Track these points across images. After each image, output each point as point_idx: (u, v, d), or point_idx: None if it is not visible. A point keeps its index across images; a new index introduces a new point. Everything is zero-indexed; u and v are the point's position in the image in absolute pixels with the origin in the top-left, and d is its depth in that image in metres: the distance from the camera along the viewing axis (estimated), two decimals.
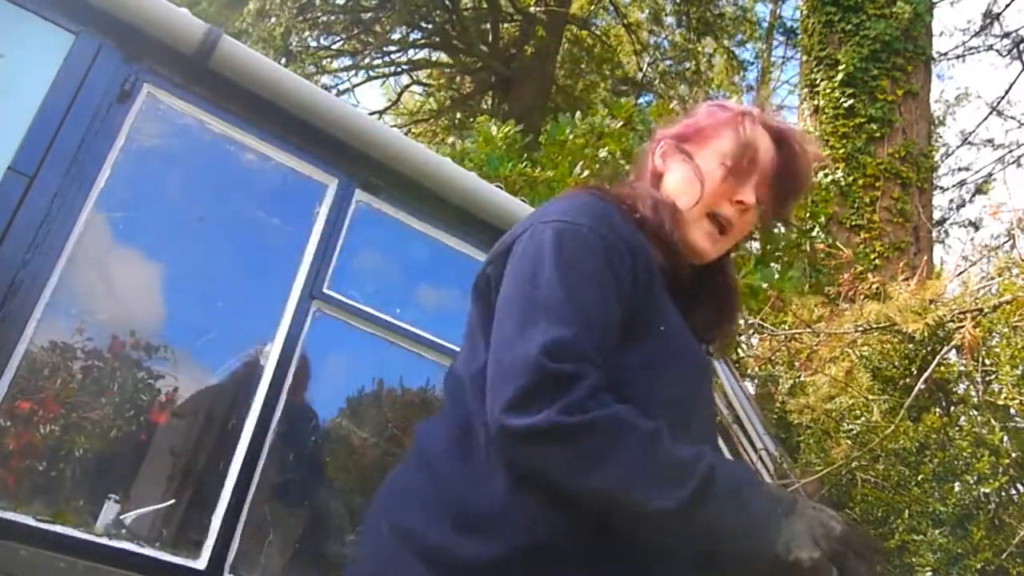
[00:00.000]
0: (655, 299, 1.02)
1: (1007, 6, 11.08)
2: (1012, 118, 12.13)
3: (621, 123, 5.69)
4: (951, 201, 12.46)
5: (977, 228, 11.83)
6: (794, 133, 1.17)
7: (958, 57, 11.73)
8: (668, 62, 13.78)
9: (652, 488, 0.84)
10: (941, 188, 11.93)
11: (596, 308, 0.94)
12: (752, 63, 14.11)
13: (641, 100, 12.88)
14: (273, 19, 9.63)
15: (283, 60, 9.51)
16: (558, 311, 0.91)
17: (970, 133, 12.32)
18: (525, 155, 5.63)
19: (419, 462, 1.02)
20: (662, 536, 0.89)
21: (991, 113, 11.87)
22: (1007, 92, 12.24)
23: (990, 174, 12.05)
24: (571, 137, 5.47)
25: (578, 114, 5.75)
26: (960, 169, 12.51)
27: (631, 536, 0.90)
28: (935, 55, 8.61)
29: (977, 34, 11.48)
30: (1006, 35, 11.20)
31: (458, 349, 1.12)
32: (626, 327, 0.97)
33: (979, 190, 12.22)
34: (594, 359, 0.89)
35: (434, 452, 1.00)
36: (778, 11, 14.54)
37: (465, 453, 0.96)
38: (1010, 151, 11.83)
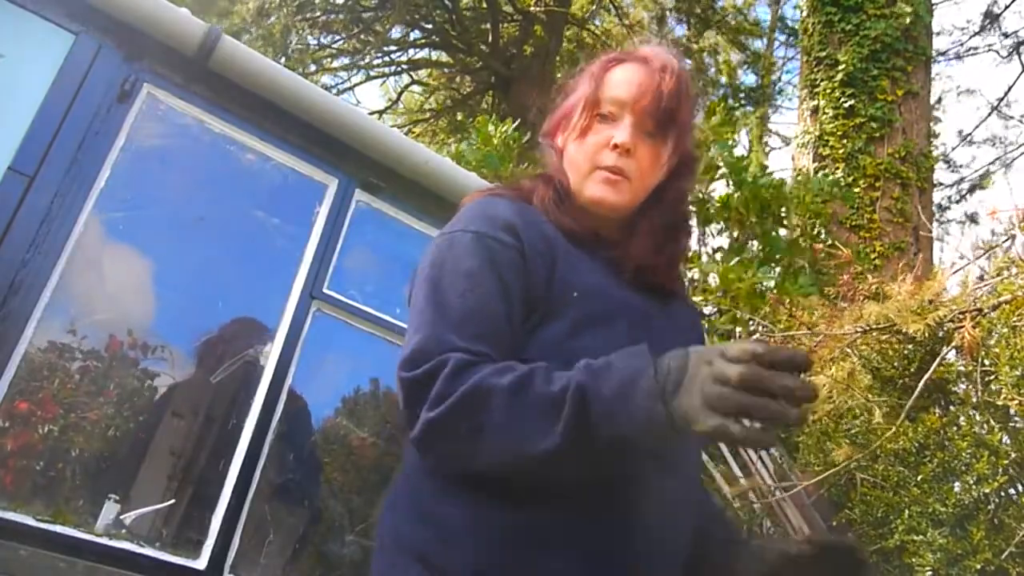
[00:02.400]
0: (560, 269, 1.02)
1: (1007, 7, 11.09)
2: (1011, 117, 12.14)
3: None
4: (949, 198, 12.47)
5: (976, 222, 11.84)
6: (633, 53, 1.16)
7: (958, 57, 11.74)
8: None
9: (530, 436, 0.84)
10: (943, 184, 11.95)
11: (467, 302, 0.95)
12: (752, 63, 14.10)
13: None
14: (272, 18, 9.62)
15: (282, 59, 9.51)
16: (420, 323, 0.95)
17: (969, 133, 12.33)
18: (525, 156, 5.62)
19: (402, 473, 1.06)
20: (571, 471, 0.88)
21: (991, 113, 11.88)
22: (1007, 92, 12.25)
23: (988, 172, 12.06)
24: None
25: None
26: (960, 167, 12.52)
27: (549, 482, 0.91)
28: (934, 54, 8.61)
29: (977, 34, 11.50)
30: (1005, 35, 11.21)
31: None
32: (538, 305, 0.99)
33: (978, 186, 12.23)
34: (459, 346, 0.91)
35: (410, 465, 1.04)
36: (779, 11, 14.54)
37: (428, 466, 1.00)
38: (1007, 151, 11.85)
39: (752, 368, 0.74)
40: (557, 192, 1.12)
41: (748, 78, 14.10)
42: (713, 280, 4.91)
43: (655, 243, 1.12)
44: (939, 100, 12.75)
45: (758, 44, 14.15)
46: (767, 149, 14.14)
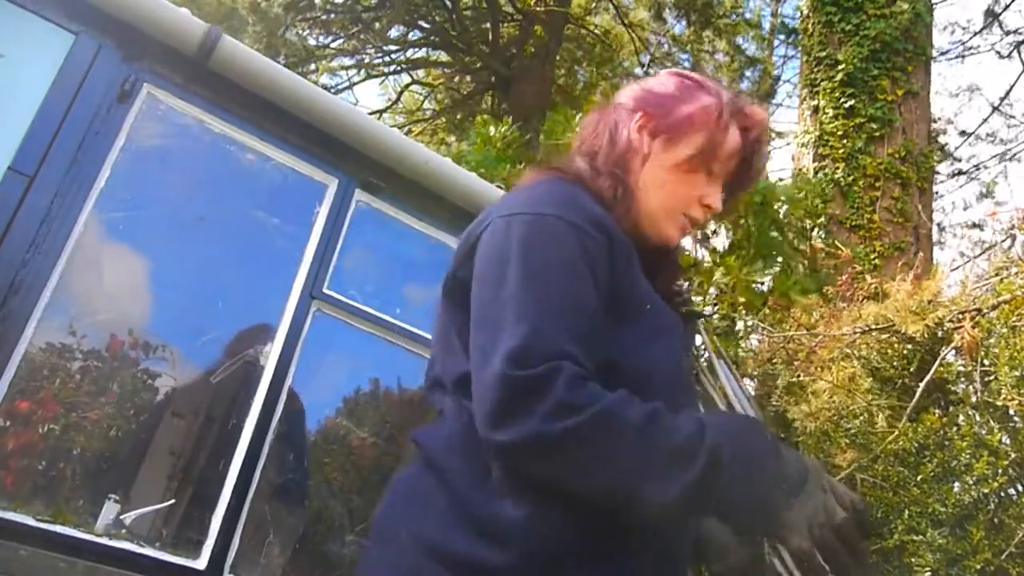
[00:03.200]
0: (636, 277, 1.01)
1: (1007, 6, 11.09)
2: (1012, 116, 12.14)
3: None
4: (953, 204, 12.47)
5: (981, 229, 11.84)
6: (760, 122, 1.15)
7: (958, 57, 11.75)
8: (667, 62, 13.78)
9: (652, 480, 0.82)
10: (941, 174, 11.95)
11: (568, 297, 0.90)
12: (753, 63, 14.11)
13: None
14: (270, 12, 9.62)
15: (281, 59, 9.50)
16: (521, 312, 0.87)
17: (971, 133, 12.33)
18: (523, 156, 5.62)
19: (429, 470, 0.98)
20: (670, 518, 0.89)
21: (993, 112, 11.88)
22: (1008, 92, 12.25)
23: (984, 167, 12.06)
24: (569, 137, 5.46)
25: (578, 117, 5.74)
26: (960, 174, 12.53)
27: (639, 523, 0.89)
28: (935, 54, 8.61)
29: (978, 33, 11.50)
30: (1007, 34, 11.21)
31: None
32: (615, 308, 0.95)
33: (986, 194, 12.23)
34: (568, 351, 0.85)
35: (445, 463, 0.97)
36: (779, 11, 14.54)
37: (475, 463, 0.92)
38: (1009, 149, 11.85)
39: (850, 521, 0.86)
40: (625, 193, 1.06)
41: (747, 78, 14.10)
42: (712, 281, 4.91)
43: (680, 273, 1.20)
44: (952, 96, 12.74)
45: (752, 49, 14.15)
46: (767, 150, 14.11)
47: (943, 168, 12.18)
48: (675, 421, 0.85)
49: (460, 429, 0.96)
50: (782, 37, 14.12)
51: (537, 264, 0.91)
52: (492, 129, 5.57)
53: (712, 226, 5.46)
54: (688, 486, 0.81)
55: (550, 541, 0.88)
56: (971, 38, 11.50)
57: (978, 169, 12.07)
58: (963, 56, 11.76)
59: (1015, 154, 11.77)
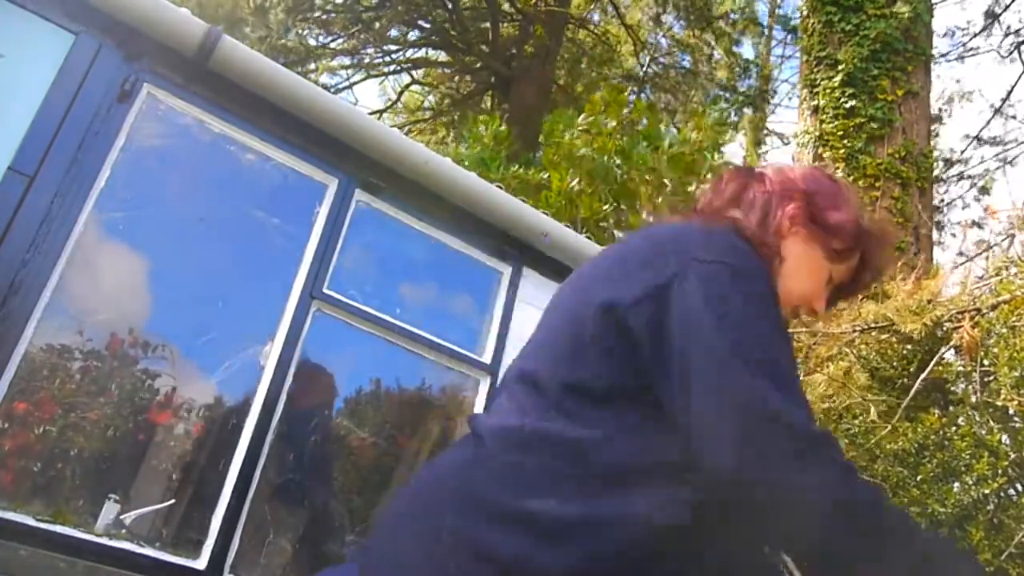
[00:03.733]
0: None
1: (1007, 7, 11.09)
2: (1013, 118, 12.13)
3: (617, 123, 5.69)
4: (947, 201, 12.47)
5: (980, 227, 11.84)
6: (888, 255, 1.24)
7: (959, 58, 11.74)
8: (665, 62, 13.79)
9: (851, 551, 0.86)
10: (942, 180, 11.95)
11: (790, 362, 0.96)
12: (752, 64, 14.11)
13: (641, 98, 12.87)
14: (271, 13, 9.62)
15: (281, 59, 9.50)
16: (782, 368, 0.92)
17: (975, 135, 12.33)
18: (519, 156, 5.63)
19: (495, 467, 0.96)
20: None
21: (995, 115, 11.88)
22: (1009, 93, 12.25)
23: (987, 170, 12.06)
24: (568, 138, 5.47)
25: (580, 118, 5.74)
26: (961, 176, 12.52)
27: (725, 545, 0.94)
28: (936, 56, 8.62)
29: (978, 34, 11.50)
30: (1007, 34, 11.21)
31: (457, 348, 1.11)
32: None
33: (982, 189, 12.23)
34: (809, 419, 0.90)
35: (525, 464, 0.94)
36: (777, 10, 14.54)
37: (565, 475, 0.92)
38: (1007, 150, 11.85)
39: None
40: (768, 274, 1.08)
41: (746, 78, 14.10)
42: None
43: None
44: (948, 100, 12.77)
45: (749, 53, 14.17)
46: (765, 150, 14.14)
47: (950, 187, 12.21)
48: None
49: (555, 436, 0.95)
50: (780, 37, 14.12)
51: (768, 318, 0.96)
52: (483, 128, 5.58)
53: None
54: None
55: (620, 543, 0.89)
56: (971, 39, 11.51)
57: (985, 184, 12.08)
58: (963, 57, 11.76)
59: (1014, 157, 11.77)
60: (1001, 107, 11.71)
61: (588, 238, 3.29)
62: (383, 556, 0.97)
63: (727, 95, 13.42)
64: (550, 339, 1.08)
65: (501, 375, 1.71)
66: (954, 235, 12.65)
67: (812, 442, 0.87)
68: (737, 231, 1.08)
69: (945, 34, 11.85)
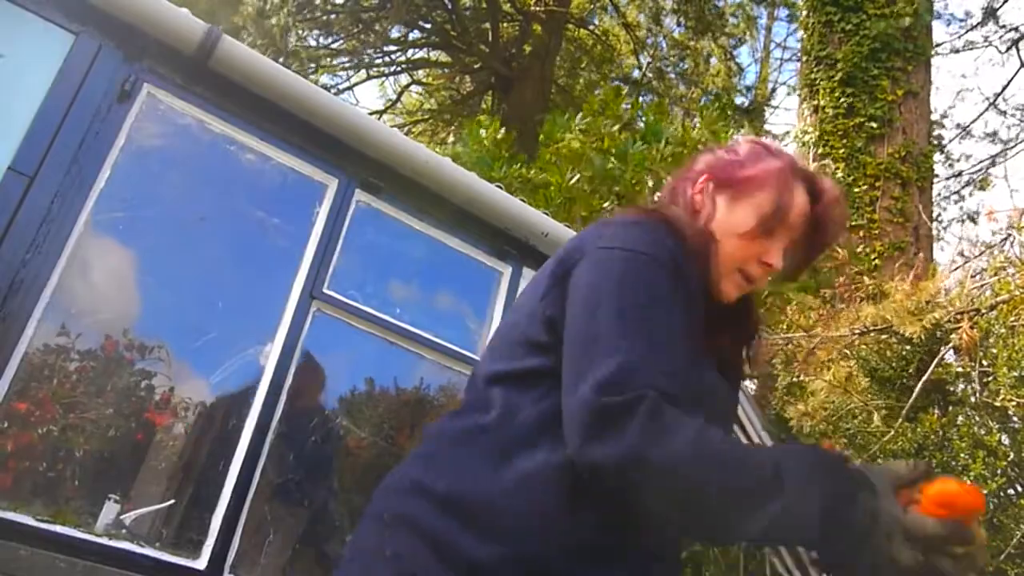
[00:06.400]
0: (695, 330, 1.03)
1: (1004, 2, 11.08)
2: (1010, 114, 12.13)
3: (617, 125, 5.69)
4: (948, 198, 12.47)
5: (975, 222, 11.84)
6: (831, 190, 1.17)
7: (956, 52, 11.74)
8: (666, 62, 13.78)
9: (746, 513, 0.85)
10: (940, 177, 11.94)
11: (664, 331, 0.94)
12: (751, 64, 14.11)
13: (640, 100, 12.88)
14: (272, 18, 9.62)
15: (282, 59, 9.50)
16: (616, 342, 0.91)
17: (967, 127, 12.33)
18: (519, 157, 5.63)
19: (434, 458, 1.03)
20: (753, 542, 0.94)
21: (988, 108, 11.88)
22: (1005, 87, 12.23)
23: (988, 174, 12.06)
24: (567, 139, 5.47)
25: (578, 117, 5.74)
26: (958, 176, 12.51)
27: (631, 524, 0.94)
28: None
29: (975, 28, 11.50)
30: (1004, 29, 11.20)
31: (457, 348, 1.14)
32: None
33: (980, 186, 12.22)
34: (658, 381, 0.89)
35: (450, 453, 1.01)
36: (776, 12, 14.54)
37: (494, 457, 0.97)
38: (1007, 147, 11.85)
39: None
40: (705, 255, 1.10)
41: (747, 77, 14.10)
42: None
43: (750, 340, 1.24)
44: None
45: (746, 57, 14.14)
46: None
47: (941, 169, 12.19)
48: (761, 457, 0.89)
49: (500, 428, 1.01)
50: (779, 39, 14.11)
51: (637, 297, 0.96)
52: (484, 131, 5.59)
53: None
54: (776, 516, 0.84)
55: (551, 534, 0.92)
56: (967, 31, 11.51)
57: (982, 180, 12.08)
58: (959, 51, 11.76)
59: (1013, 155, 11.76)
60: (995, 101, 11.71)
61: None
62: (350, 544, 1.06)
63: (724, 96, 13.43)
64: (494, 342, 1.13)
65: None
66: (951, 232, 12.65)
67: (652, 415, 0.85)
68: (667, 223, 1.08)
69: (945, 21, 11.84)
